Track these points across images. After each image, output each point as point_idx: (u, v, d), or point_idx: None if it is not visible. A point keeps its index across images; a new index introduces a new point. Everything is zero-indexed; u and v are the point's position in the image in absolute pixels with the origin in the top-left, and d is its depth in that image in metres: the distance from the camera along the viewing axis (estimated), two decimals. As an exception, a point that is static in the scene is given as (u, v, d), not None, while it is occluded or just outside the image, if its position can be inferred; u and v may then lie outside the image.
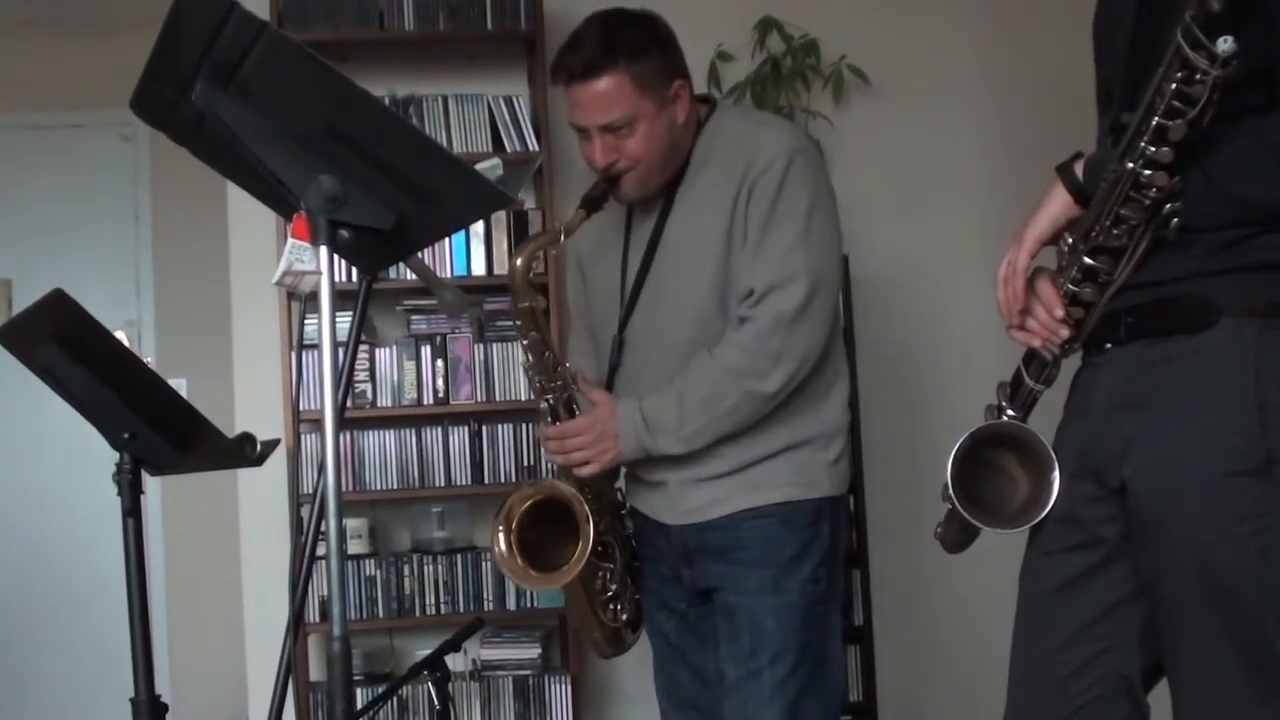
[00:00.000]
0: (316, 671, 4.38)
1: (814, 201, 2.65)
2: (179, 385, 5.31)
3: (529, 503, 2.77)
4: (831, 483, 2.75)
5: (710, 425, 2.66)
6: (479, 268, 4.45)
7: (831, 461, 2.75)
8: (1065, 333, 2.00)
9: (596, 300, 2.93)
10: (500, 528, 2.77)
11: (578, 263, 3.02)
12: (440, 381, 4.45)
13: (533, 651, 4.43)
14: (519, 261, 2.69)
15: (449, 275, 4.41)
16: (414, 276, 3.94)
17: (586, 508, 2.71)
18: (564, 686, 4.40)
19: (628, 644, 3.01)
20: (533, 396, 2.90)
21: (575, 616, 2.99)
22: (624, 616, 2.91)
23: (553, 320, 4.26)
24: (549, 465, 2.91)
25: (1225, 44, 1.64)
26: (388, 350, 4.47)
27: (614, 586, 2.87)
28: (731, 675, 2.71)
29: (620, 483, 2.95)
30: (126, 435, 2.39)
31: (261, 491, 4.42)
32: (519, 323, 2.75)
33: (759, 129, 2.75)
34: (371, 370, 4.44)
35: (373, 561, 4.42)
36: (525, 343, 2.75)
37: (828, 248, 2.68)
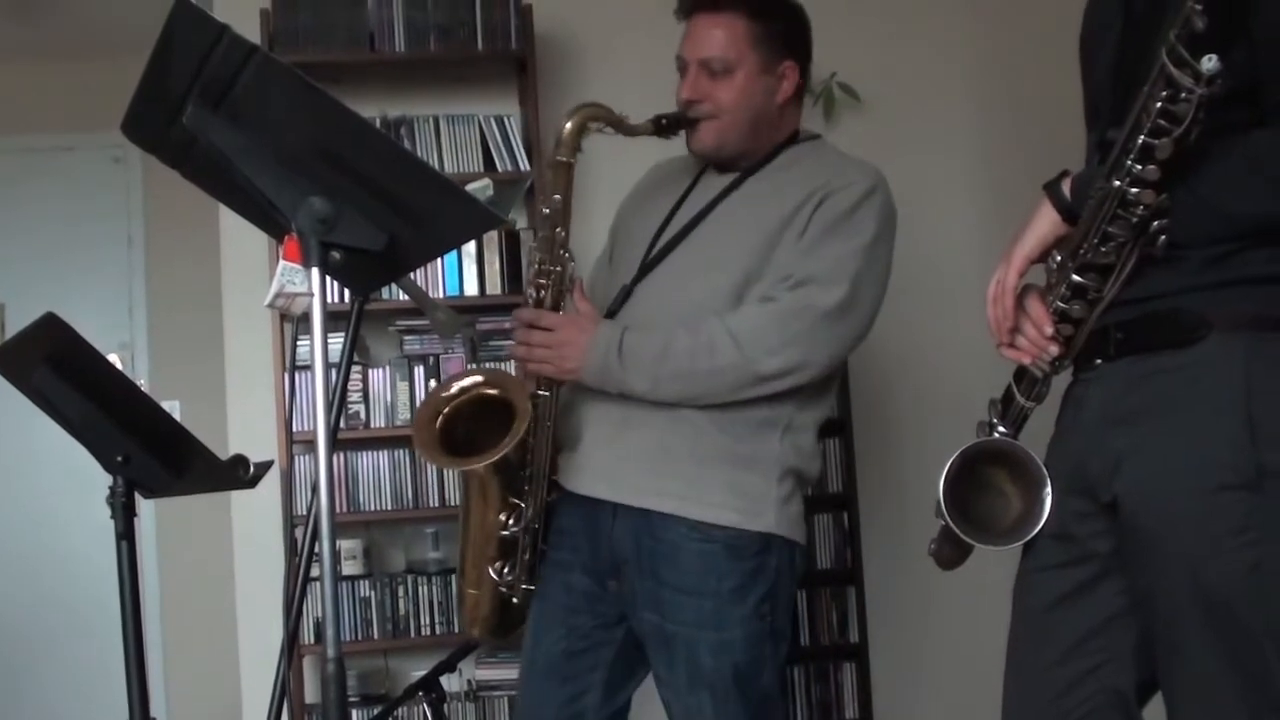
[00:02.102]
0: (311, 693, 4.36)
1: (880, 234, 2.58)
2: (172, 408, 5.34)
3: (474, 396, 2.67)
4: (779, 521, 2.57)
5: (687, 377, 2.52)
6: (471, 288, 4.46)
7: (780, 499, 2.58)
8: (1055, 350, 2.00)
9: (620, 249, 2.83)
10: (440, 395, 2.68)
11: (613, 231, 2.93)
12: (434, 402, 4.45)
13: (528, 671, 4.43)
14: (569, 124, 2.57)
15: (441, 296, 4.42)
16: (406, 297, 3.95)
17: (531, 408, 2.58)
18: (559, 706, 4.39)
19: (500, 632, 2.83)
20: (525, 286, 2.74)
21: (462, 559, 2.77)
22: (508, 577, 2.71)
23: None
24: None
25: (1210, 63, 1.65)
26: (381, 371, 4.48)
27: (515, 529, 2.67)
28: (675, 706, 2.61)
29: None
30: (120, 458, 2.39)
31: (255, 513, 4.43)
32: (550, 179, 2.60)
33: (848, 159, 2.71)
34: (365, 391, 4.44)
35: (367, 582, 4.42)
36: (546, 211, 2.60)
37: (878, 279, 2.59)
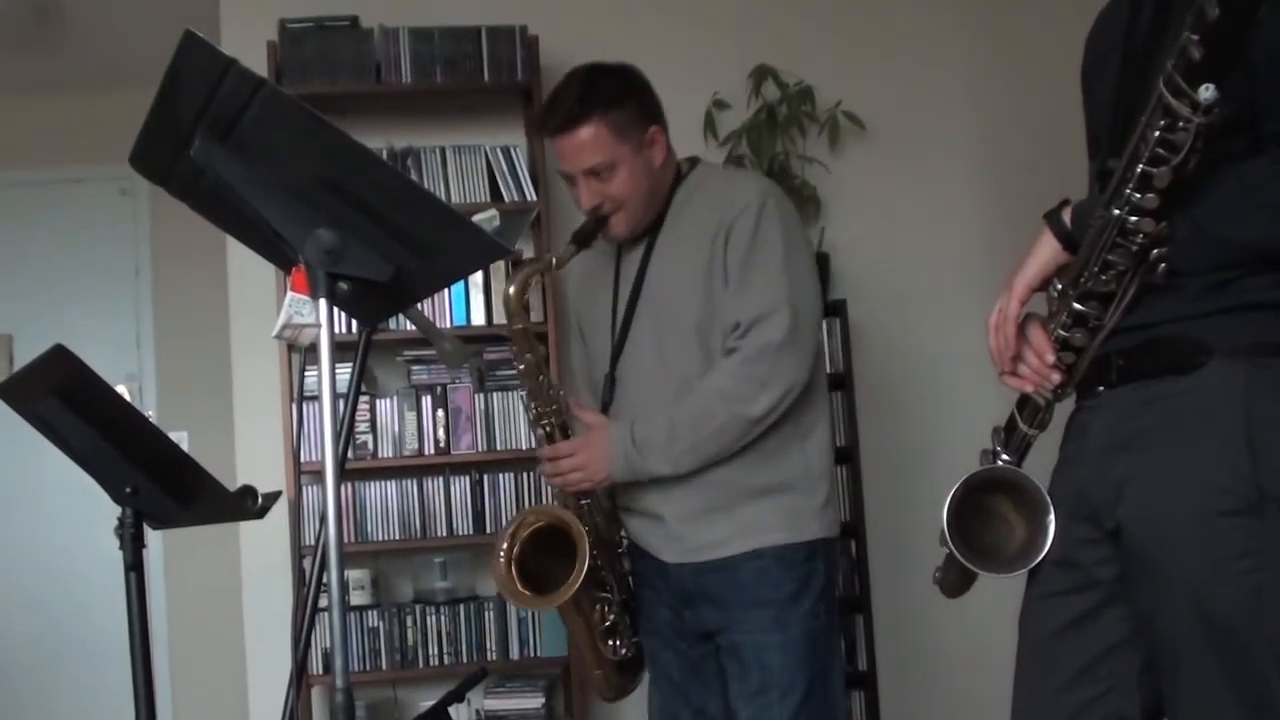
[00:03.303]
0: (319, 723, 4.37)
1: (788, 238, 2.79)
2: (180, 439, 5.32)
3: (531, 529, 2.88)
4: (821, 526, 2.85)
5: (698, 446, 2.76)
6: (478, 318, 4.47)
7: (819, 506, 2.84)
8: (1057, 378, 2.01)
9: (592, 343, 3.05)
10: (503, 547, 2.87)
11: (577, 324, 3.14)
12: (441, 431, 4.46)
13: (536, 701, 4.42)
14: (512, 289, 2.85)
15: (448, 326, 4.43)
16: (414, 327, 3.96)
17: (584, 527, 2.82)
18: (567, 736, 4.40)
19: (629, 688, 3.09)
20: (530, 428, 2.98)
21: (578, 649, 3.05)
22: (623, 651, 2.98)
23: (551, 354, 4.28)
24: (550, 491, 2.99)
25: (1207, 92, 1.65)
26: (388, 401, 4.49)
27: (612, 617, 2.95)
28: (743, 714, 2.80)
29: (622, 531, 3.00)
30: (128, 489, 2.40)
31: (263, 544, 4.43)
32: (515, 346, 2.86)
33: (732, 178, 2.97)
34: (372, 421, 4.45)
35: (375, 612, 4.42)
36: (521, 367, 2.86)
37: (806, 280, 2.81)
